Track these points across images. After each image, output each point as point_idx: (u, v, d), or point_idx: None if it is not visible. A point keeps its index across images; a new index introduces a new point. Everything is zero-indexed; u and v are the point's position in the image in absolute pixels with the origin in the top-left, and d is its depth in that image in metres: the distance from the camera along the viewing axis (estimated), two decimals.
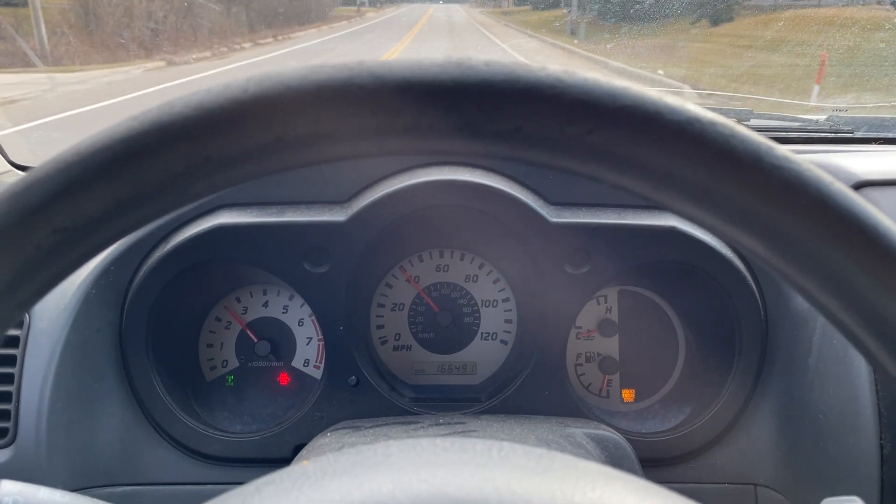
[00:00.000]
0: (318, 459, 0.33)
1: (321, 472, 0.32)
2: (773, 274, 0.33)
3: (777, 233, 0.31)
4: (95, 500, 0.59)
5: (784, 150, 0.30)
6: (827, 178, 0.30)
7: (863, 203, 0.30)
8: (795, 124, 1.40)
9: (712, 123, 0.30)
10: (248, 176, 0.31)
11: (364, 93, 0.29)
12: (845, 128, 1.31)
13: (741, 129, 0.30)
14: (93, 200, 0.30)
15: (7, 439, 0.88)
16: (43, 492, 0.57)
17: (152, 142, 0.29)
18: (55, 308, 0.92)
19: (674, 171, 0.30)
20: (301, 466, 0.33)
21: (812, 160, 1.01)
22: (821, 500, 0.49)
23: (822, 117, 1.45)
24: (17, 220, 0.29)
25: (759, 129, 1.33)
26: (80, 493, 0.58)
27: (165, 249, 0.93)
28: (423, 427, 0.87)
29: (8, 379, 0.89)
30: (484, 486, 0.29)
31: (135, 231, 0.32)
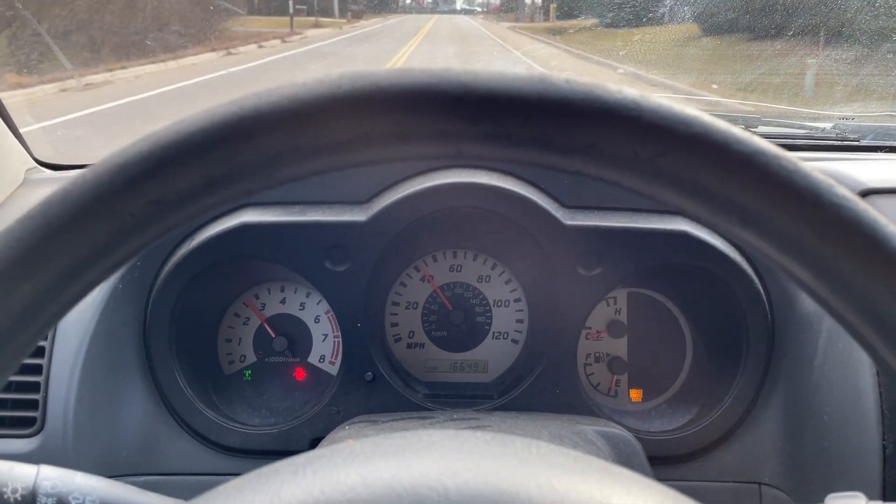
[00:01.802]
0: (365, 441, 0.35)
1: (370, 452, 0.33)
2: (819, 304, 0.35)
3: (829, 267, 0.32)
4: (129, 485, 0.61)
5: (843, 189, 0.32)
6: (882, 220, 0.32)
7: None
8: (802, 132, 1.42)
9: (777, 158, 0.31)
10: (331, 167, 0.33)
11: (449, 99, 0.31)
12: (852, 136, 1.33)
13: (804, 166, 0.32)
14: (187, 177, 0.32)
15: (35, 428, 0.91)
16: (79, 477, 0.59)
17: (249, 127, 0.31)
18: (83, 301, 0.94)
19: (735, 200, 0.32)
20: (348, 445, 0.34)
21: (818, 167, 1.03)
22: (824, 499, 0.52)
23: (828, 125, 1.47)
24: (118, 190, 0.31)
25: (767, 136, 1.35)
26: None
27: (190, 246, 0.96)
28: (439, 422, 0.90)
29: (37, 370, 0.92)
30: (527, 480, 0.31)
31: (222, 208, 0.34)
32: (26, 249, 0.32)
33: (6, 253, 0.32)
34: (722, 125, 0.32)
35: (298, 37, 18.24)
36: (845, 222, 0.31)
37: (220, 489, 0.35)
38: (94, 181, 0.32)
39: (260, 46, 15.07)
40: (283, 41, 16.80)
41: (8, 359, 0.34)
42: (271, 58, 13.60)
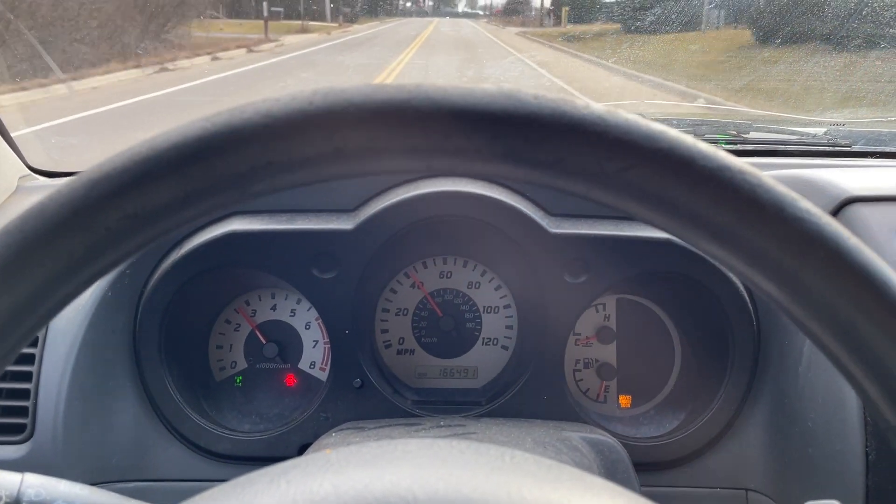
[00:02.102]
0: (341, 450, 0.35)
1: (345, 461, 0.34)
2: (786, 316, 0.35)
3: (793, 280, 0.33)
4: (113, 493, 0.62)
5: (807, 202, 0.32)
6: (845, 233, 0.32)
7: (875, 259, 0.32)
8: (794, 137, 1.43)
9: (741, 172, 0.32)
10: (305, 181, 0.34)
11: (420, 115, 0.32)
12: (843, 141, 1.34)
13: (768, 180, 0.32)
14: (162, 192, 0.32)
15: (25, 435, 0.92)
16: (63, 485, 0.60)
17: (222, 143, 0.32)
18: (72, 308, 0.95)
19: (701, 214, 0.32)
20: (324, 455, 0.35)
21: (807, 175, 1.04)
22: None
23: (820, 130, 1.48)
24: (93, 205, 0.32)
25: (759, 142, 1.36)
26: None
27: (179, 254, 0.97)
28: (425, 429, 0.90)
29: (27, 377, 0.93)
30: (497, 489, 0.31)
31: (198, 222, 0.35)
32: (3, 265, 0.33)
33: None
34: (687, 140, 0.32)
35: (273, 44, 15.28)
36: (808, 235, 0.32)
37: (196, 499, 0.35)
38: (69, 196, 0.32)
39: (214, 59, 12.08)
40: (251, 50, 13.88)
41: None
42: (213, 77, 10.24)
